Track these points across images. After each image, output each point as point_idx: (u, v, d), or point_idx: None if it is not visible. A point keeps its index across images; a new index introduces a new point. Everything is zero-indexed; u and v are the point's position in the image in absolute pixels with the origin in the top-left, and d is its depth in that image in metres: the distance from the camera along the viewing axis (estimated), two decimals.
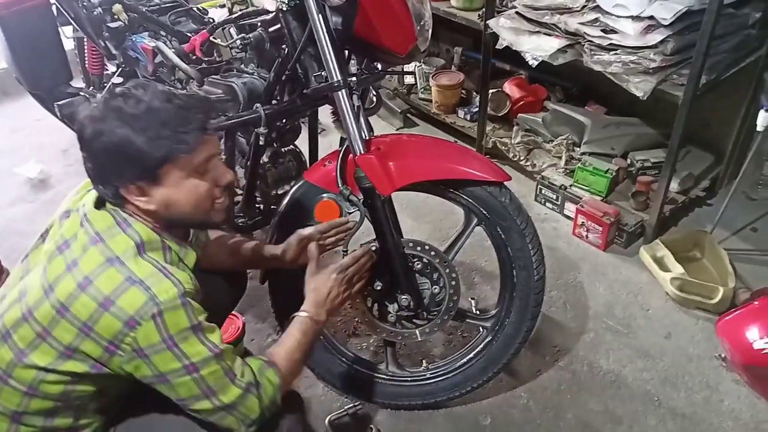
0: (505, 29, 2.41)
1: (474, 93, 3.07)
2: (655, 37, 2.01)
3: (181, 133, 1.12)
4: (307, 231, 1.58)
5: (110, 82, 2.19)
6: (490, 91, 2.84)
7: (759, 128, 1.96)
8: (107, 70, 2.50)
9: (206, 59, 1.78)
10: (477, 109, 2.91)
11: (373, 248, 1.60)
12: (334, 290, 1.43)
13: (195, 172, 1.16)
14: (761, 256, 2.30)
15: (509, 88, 2.94)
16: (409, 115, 3.30)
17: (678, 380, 1.92)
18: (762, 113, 1.94)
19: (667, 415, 1.82)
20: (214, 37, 1.72)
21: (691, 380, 1.91)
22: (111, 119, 1.09)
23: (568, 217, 2.54)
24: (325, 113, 1.93)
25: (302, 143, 2.02)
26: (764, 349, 1.67)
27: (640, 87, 2.07)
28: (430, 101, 3.15)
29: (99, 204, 1.18)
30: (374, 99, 1.88)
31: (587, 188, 2.51)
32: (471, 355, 1.77)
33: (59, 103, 2.43)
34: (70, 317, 1.09)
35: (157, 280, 1.10)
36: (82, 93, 2.47)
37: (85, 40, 2.41)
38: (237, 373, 1.18)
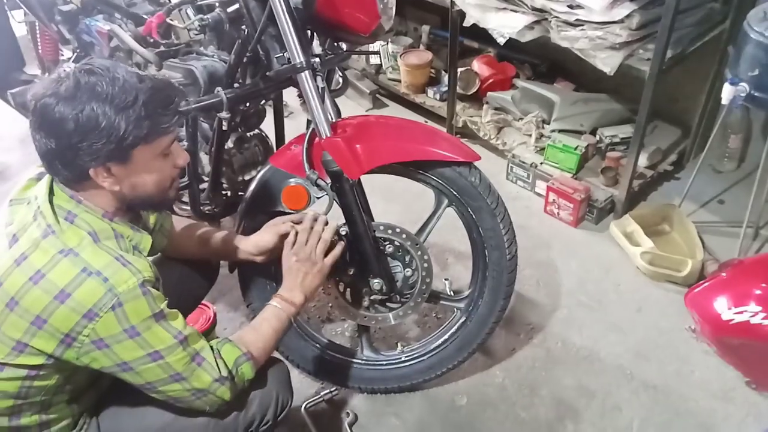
0: (472, 6, 2.38)
1: (443, 72, 3.04)
2: (620, 12, 2.00)
3: (163, 115, 1.10)
4: (282, 227, 1.53)
5: (63, 67, 2.10)
6: (459, 69, 2.81)
7: (724, 101, 1.97)
8: (62, 55, 2.40)
9: (164, 42, 1.71)
10: (446, 88, 2.89)
11: (343, 233, 1.57)
12: (302, 270, 1.42)
13: (162, 154, 1.15)
14: (728, 228, 2.34)
15: (478, 66, 2.91)
16: (378, 95, 3.26)
17: (650, 353, 1.94)
18: (726, 86, 1.94)
19: (640, 388, 1.85)
20: (170, 19, 1.65)
21: (662, 352, 1.94)
22: (85, 96, 1.03)
23: (540, 195, 2.54)
24: (292, 95, 1.89)
25: (269, 127, 1.97)
26: (732, 319, 1.69)
27: (607, 62, 2.06)
28: (399, 81, 3.11)
29: (50, 195, 1.13)
30: (340, 80, 1.85)
31: (557, 165, 2.51)
32: (446, 337, 1.77)
33: (12, 91, 2.33)
34: (20, 311, 1.06)
35: (115, 270, 1.07)
36: (36, 80, 2.38)
37: (38, 24, 2.31)
38: (206, 359, 1.18)
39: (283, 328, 1.38)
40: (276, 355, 1.86)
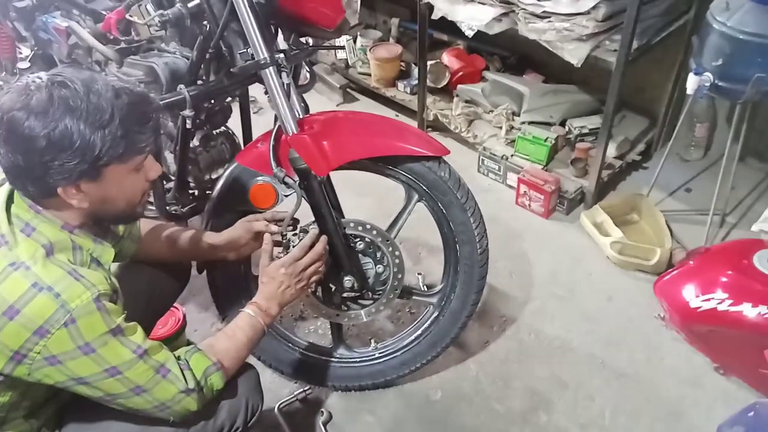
0: None
1: (413, 65, 3.02)
2: (587, 3, 2.01)
3: (140, 133, 1.06)
4: (256, 225, 1.52)
5: (17, 67, 2.04)
6: (429, 62, 2.79)
7: (689, 91, 2.00)
8: (20, 53, 2.33)
9: (124, 39, 1.66)
10: (416, 81, 2.87)
11: (314, 230, 1.56)
12: (285, 284, 1.40)
13: (135, 169, 1.11)
14: (696, 216, 2.37)
15: (448, 59, 2.91)
16: (348, 90, 3.23)
17: (620, 341, 1.97)
18: (691, 76, 1.97)
19: (611, 376, 1.87)
20: (130, 15, 1.61)
21: (633, 340, 1.97)
22: (58, 112, 0.98)
23: (511, 187, 2.55)
24: (260, 91, 1.85)
25: (237, 124, 1.94)
26: (700, 307, 1.72)
27: (574, 54, 2.07)
28: (370, 75, 3.09)
29: (9, 203, 1.09)
30: (308, 75, 1.82)
31: (528, 157, 2.52)
32: (419, 332, 1.77)
33: None
34: None
35: (67, 284, 1.03)
36: None
37: None
38: (172, 370, 1.14)
39: (258, 337, 1.35)
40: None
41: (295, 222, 1.53)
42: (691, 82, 1.97)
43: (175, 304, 1.84)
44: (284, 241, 1.52)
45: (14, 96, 1.00)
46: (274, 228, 1.51)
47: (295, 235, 1.53)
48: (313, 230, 1.50)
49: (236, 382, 1.31)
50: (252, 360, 1.81)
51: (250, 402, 1.32)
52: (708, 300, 1.71)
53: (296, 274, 1.42)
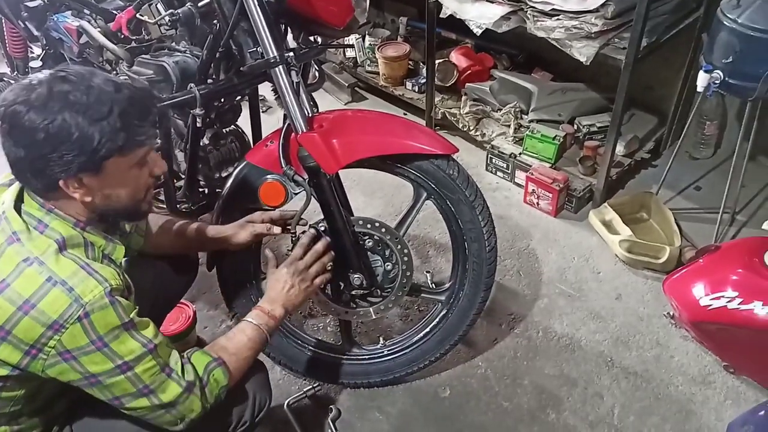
0: None
1: (421, 64, 3.02)
2: (595, 1, 2.01)
3: (139, 126, 1.08)
4: (259, 227, 1.54)
5: (29, 66, 2.06)
6: (437, 61, 2.79)
7: (699, 89, 1.99)
8: (32, 52, 2.35)
9: (135, 38, 1.68)
10: (424, 80, 2.87)
11: (322, 228, 1.56)
12: (288, 284, 1.42)
13: (138, 164, 1.12)
14: (705, 214, 2.36)
15: (456, 57, 2.90)
16: (357, 88, 3.24)
17: (629, 340, 1.96)
18: (701, 73, 1.96)
19: (620, 374, 1.86)
20: (140, 14, 1.62)
21: (642, 339, 1.96)
22: (57, 106, 1.00)
23: (519, 185, 2.55)
24: (269, 90, 1.86)
25: (246, 123, 1.95)
26: (710, 305, 1.71)
27: (582, 52, 2.07)
28: (378, 74, 3.09)
29: (19, 202, 1.11)
30: (317, 74, 1.82)
31: (536, 155, 2.52)
32: (427, 330, 1.77)
33: None
34: None
35: (81, 279, 1.04)
36: (5, 78, 2.32)
37: (4, 21, 2.25)
38: (175, 369, 1.14)
39: (259, 338, 1.33)
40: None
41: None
42: (701, 80, 1.96)
43: (185, 301, 1.86)
44: (294, 239, 1.53)
45: (17, 90, 1.03)
46: (276, 230, 1.53)
47: (304, 233, 1.54)
48: (311, 230, 1.52)
49: (245, 378, 1.32)
50: (261, 357, 1.83)
51: (257, 397, 1.33)
52: (718, 298, 1.70)
53: (299, 272, 1.43)
